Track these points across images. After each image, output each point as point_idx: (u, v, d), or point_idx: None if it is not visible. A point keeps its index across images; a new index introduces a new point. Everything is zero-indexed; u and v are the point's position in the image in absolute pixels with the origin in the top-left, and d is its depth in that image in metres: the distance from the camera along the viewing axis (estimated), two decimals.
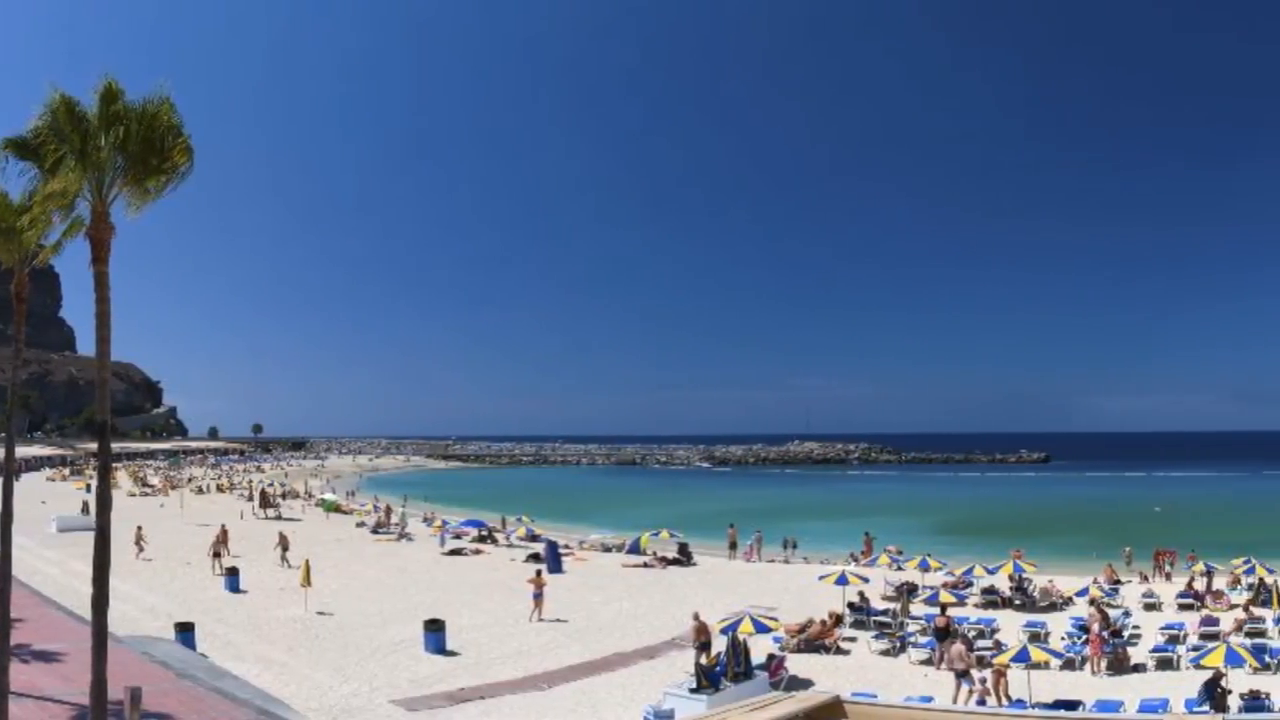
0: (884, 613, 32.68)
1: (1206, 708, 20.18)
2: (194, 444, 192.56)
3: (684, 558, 47.23)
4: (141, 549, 43.38)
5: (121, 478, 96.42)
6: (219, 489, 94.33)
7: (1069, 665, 26.23)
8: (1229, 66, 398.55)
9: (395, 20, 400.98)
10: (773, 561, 49.13)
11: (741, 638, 23.70)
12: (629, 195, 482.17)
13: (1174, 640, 28.67)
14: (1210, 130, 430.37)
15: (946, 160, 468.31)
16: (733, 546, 51.13)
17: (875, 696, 18.59)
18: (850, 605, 32.62)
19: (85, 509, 55.31)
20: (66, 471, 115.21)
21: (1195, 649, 25.95)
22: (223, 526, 45.69)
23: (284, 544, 43.63)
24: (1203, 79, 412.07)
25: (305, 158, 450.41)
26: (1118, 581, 40.63)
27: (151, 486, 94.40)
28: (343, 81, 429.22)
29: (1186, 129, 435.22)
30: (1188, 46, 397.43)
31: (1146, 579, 43.13)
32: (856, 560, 46.72)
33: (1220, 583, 38.55)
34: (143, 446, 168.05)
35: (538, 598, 32.00)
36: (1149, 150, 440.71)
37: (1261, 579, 36.25)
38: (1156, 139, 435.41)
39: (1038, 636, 29.21)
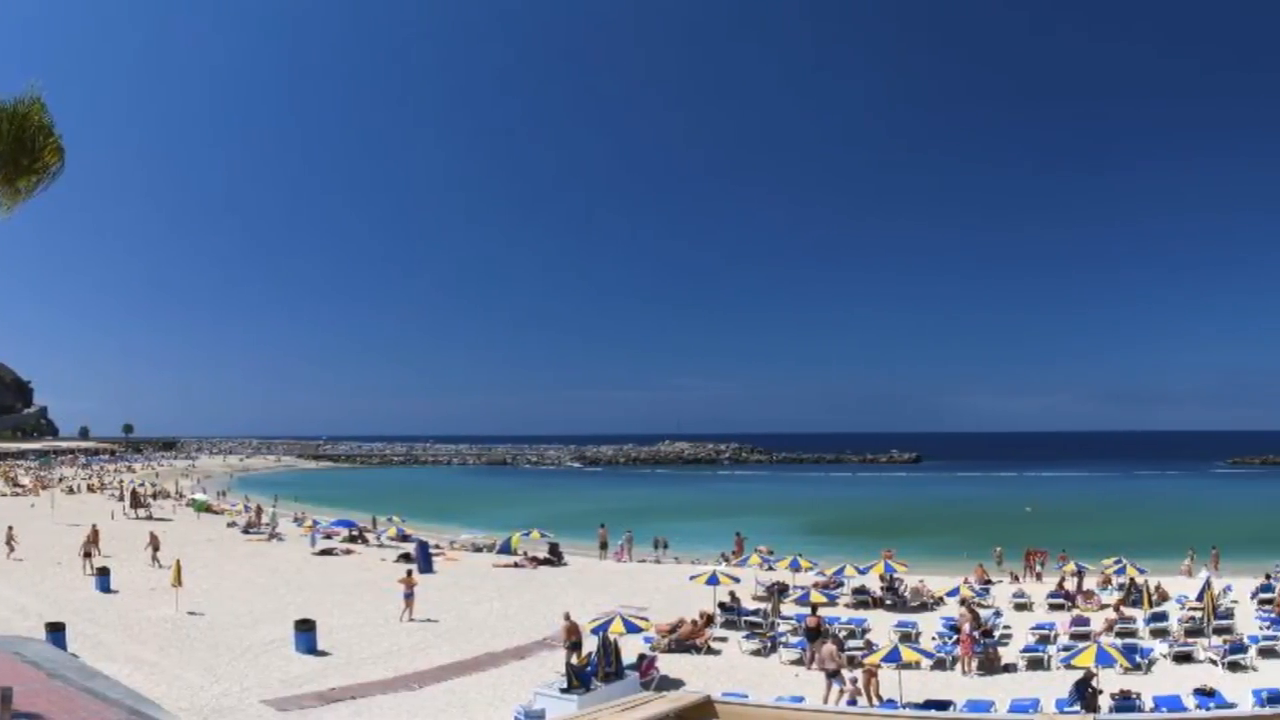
0: (755, 613, 37.22)
1: (1077, 708, 23.84)
2: (65, 444, 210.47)
3: (555, 558, 53.80)
4: (12, 549, 49.87)
5: None
6: (90, 489, 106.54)
7: (940, 665, 30.36)
8: (1087, 68, 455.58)
9: (264, 19, 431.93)
10: (644, 561, 56.52)
11: (612, 638, 26.94)
12: (500, 195, 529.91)
13: (1045, 640, 33.37)
14: (1074, 131, 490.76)
15: (817, 161, 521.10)
16: (603, 546, 59.16)
17: (746, 696, 21.11)
18: (721, 605, 37.16)
19: None
20: None
21: (1066, 649, 30.39)
22: (94, 526, 51.05)
23: (155, 544, 49.44)
24: (1062, 81, 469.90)
25: (174, 157, 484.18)
26: (989, 581, 46.59)
27: (22, 487, 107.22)
28: (212, 81, 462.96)
29: (1050, 130, 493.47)
30: (1045, 48, 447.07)
31: (1017, 579, 49.69)
32: (727, 560, 52.88)
33: (1091, 583, 44.39)
34: (13, 447, 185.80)
35: (408, 598, 36.42)
36: (1015, 151, 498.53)
37: (1132, 579, 41.90)
38: (1022, 140, 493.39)
39: (909, 636, 33.52)
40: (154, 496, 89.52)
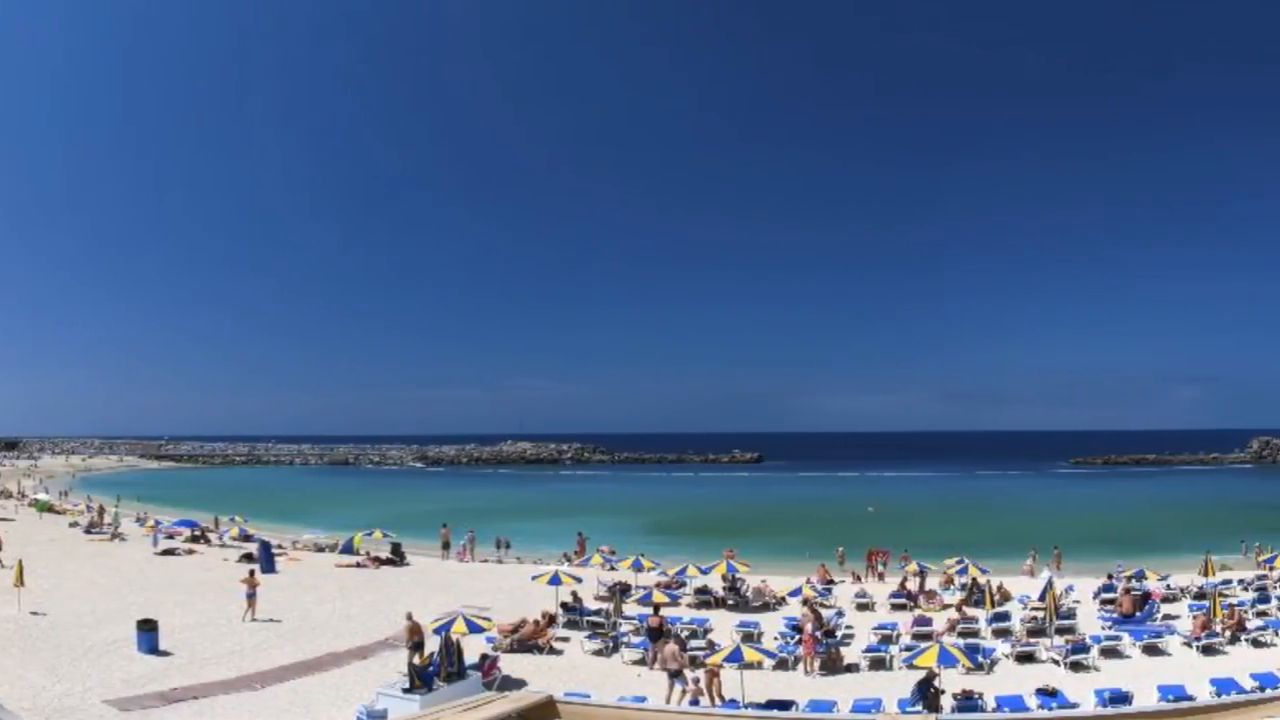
0: (597, 613, 38.13)
1: (919, 708, 24.56)
2: None
3: (397, 558, 55.62)
4: None
5: None
6: None
7: (782, 665, 31.27)
8: (939, 67, 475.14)
9: (104, 19, 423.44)
10: (486, 561, 58.66)
11: (455, 637, 27.52)
12: (342, 194, 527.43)
13: (887, 640, 34.60)
14: (922, 130, 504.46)
15: (664, 160, 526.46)
16: (446, 546, 61.25)
17: (589, 696, 21.39)
18: (563, 605, 38.18)
19: None
20: None
21: (908, 649, 31.59)
22: None
23: None
24: (913, 79, 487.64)
25: (14, 157, 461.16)
26: (831, 581, 48.21)
27: None
28: (52, 80, 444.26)
29: (899, 128, 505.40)
30: (896, 46, 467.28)
31: (859, 579, 51.34)
32: (570, 560, 54.69)
33: (933, 583, 45.99)
34: None
35: (251, 597, 37.35)
36: (863, 149, 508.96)
37: (974, 579, 43.50)
38: (871, 138, 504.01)
39: (751, 636, 34.26)
40: None
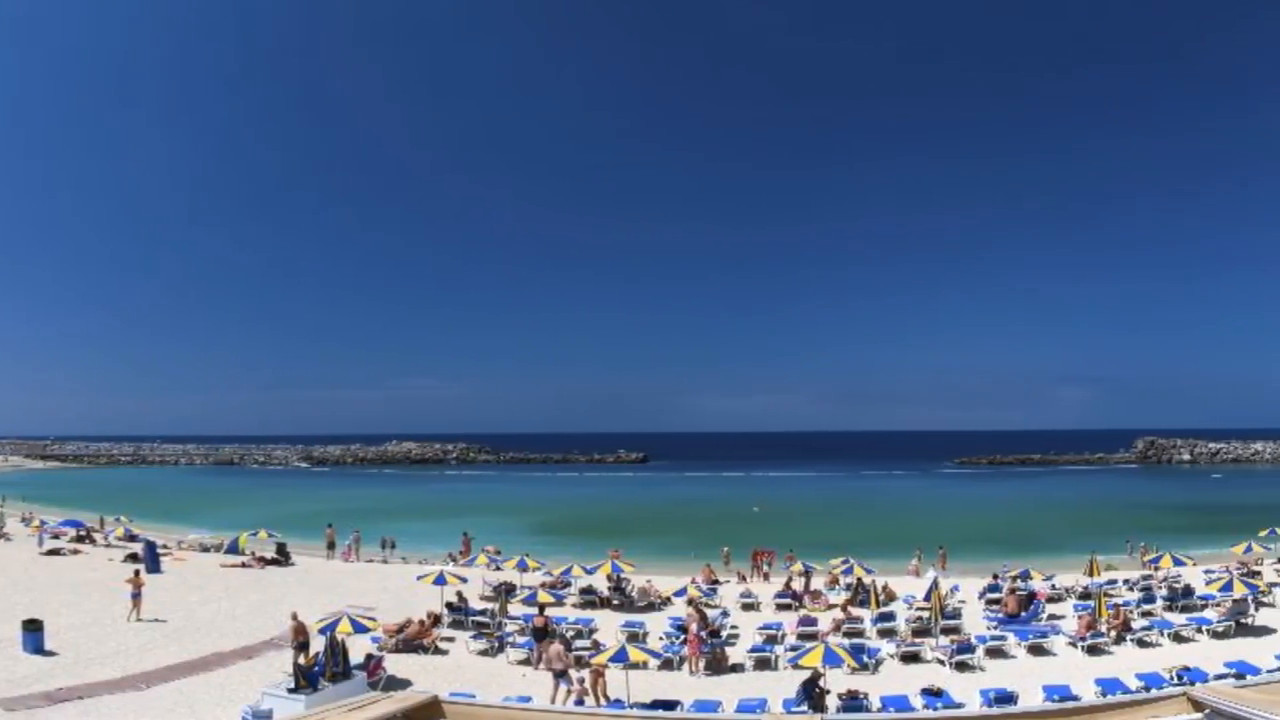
0: (482, 613, 38.58)
1: (805, 708, 24.96)
2: None
3: (282, 557, 56.28)
4: None
5: None
6: None
7: (667, 665, 31.73)
8: (828, 68, 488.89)
9: None
10: (371, 561, 59.56)
11: (340, 637, 27.75)
12: (228, 195, 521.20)
13: (772, 640, 35.15)
14: (802, 131, 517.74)
15: (551, 161, 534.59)
16: (331, 546, 62.34)
17: (474, 696, 21.40)
18: (448, 605, 38.71)
19: None
20: None
21: (793, 649, 32.01)
22: None
23: None
24: (795, 81, 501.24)
25: None
26: (716, 581, 48.82)
27: None
28: None
29: (778, 129, 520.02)
30: (787, 48, 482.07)
31: (745, 579, 52.03)
32: (455, 560, 55.73)
33: (818, 583, 46.77)
34: None
35: (136, 597, 37.68)
36: (743, 150, 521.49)
37: (860, 579, 44.39)
38: (750, 139, 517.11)
39: (636, 636, 34.74)
40: None
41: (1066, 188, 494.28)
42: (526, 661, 32.20)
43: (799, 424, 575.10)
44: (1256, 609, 36.92)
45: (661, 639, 35.13)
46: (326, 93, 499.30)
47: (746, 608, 42.67)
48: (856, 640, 34.48)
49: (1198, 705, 5.95)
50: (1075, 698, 23.95)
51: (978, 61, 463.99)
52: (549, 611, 36.08)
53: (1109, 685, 26.69)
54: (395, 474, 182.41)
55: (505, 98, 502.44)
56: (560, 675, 27.83)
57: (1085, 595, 41.47)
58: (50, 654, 30.59)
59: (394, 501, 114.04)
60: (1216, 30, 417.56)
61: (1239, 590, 37.09)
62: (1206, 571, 45.65)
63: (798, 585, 45.66)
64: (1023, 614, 38.53)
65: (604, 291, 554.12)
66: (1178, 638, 34.42)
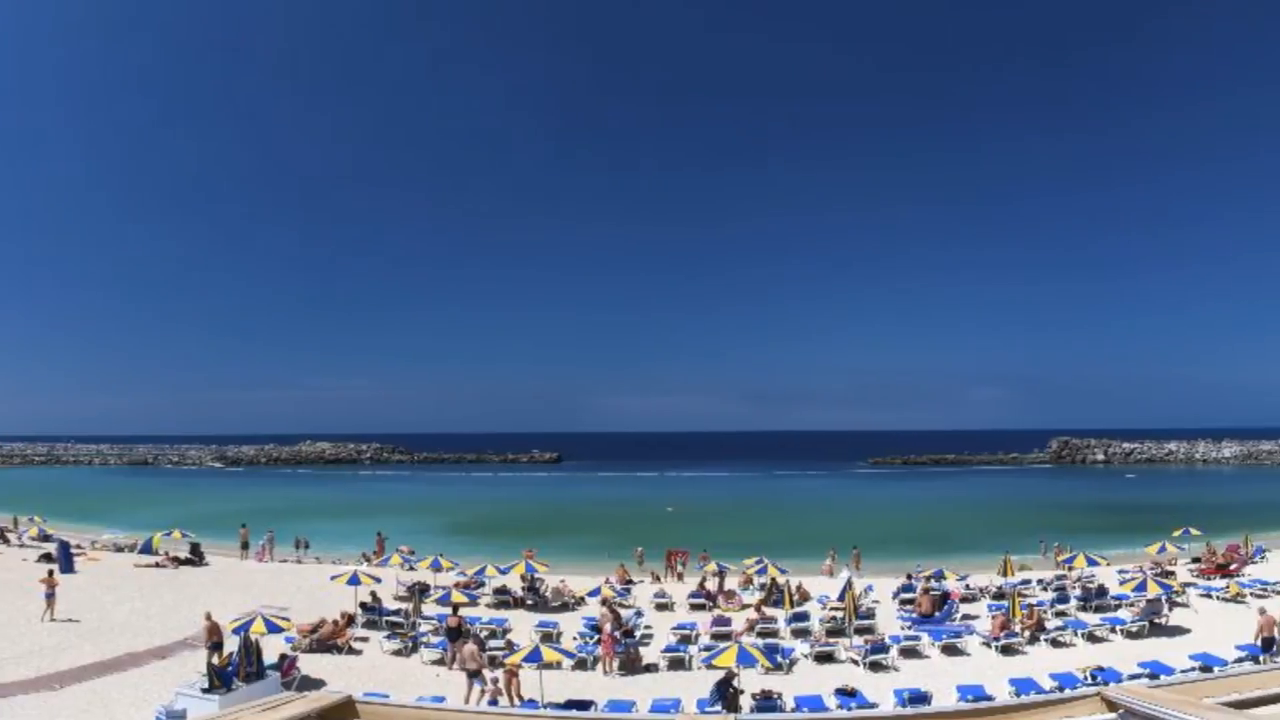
0: (396, 613, 39.00)
1: (719, 708, 25.30)
2: None
3: (196, 557, 56.31)
4: None
5: None
6: None
7: (581, 665, 32.02)
8: (746, 67, 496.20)
9: None
10: (285, 561, 59.61)
11: (254, 638, 28.09)
12: (148, 194, 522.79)
13: (686, 640, 35.34)
14: (722, 130, 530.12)
15: (465, 160, 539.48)
16: (245, 546, 62.67)
17: (388, 696, 21.61)
18: (362, 605, 39.06)
19: None
20: None
21: (707, 649, 32.33)
22: None
23: None
24: (714, 79, 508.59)
25: None
26: (630, 581, 48.99)
27: None
28: None
29: (705, 128, 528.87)
30: (708, 46, 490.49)
31: (659, 579, 52.38)
32: (369, 560, 56.24)
33: (732, 583, 47.22)
34: None
35: (50, 598, 37.85)
36: (667, 149, 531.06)
37: (774, 579, 44.87)
38: (677, 138, 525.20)
39: (550, 636, 35.20)
40: None
41: (979, 187, 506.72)
42: (440, 661, 32.63)
43: (713, 424, 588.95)
44: (1170, 609, 37.90)
45: (575, 639, 35.42)
46: (241, 93, 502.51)
47: (660, 608, 42.93)
48: (770, 640, 34.85)
49: (1112, 705, 6.02)
50: (989, 698, 24.38)
51: (890, 60, 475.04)
52: (463, 611, 36.41)
53: (1023, 685, 27.24)
54: (309, 474, 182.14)
55: (421, 98, 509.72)
56: (474, 675, 28.18)
57: (999, 595, 42.21)
58: None
59: (308, 502, 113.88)
60: (1128, 30, 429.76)
61: (1153, 590, 37.91)
62: (1120, 571, 46.51)
63: (712, 585, 46.02)
64: (937, 614, 39.11)
65: (518, 290, 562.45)
66: (1091, 638, 35.19)
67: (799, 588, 42.21)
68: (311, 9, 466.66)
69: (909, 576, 46.87)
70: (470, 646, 29.54)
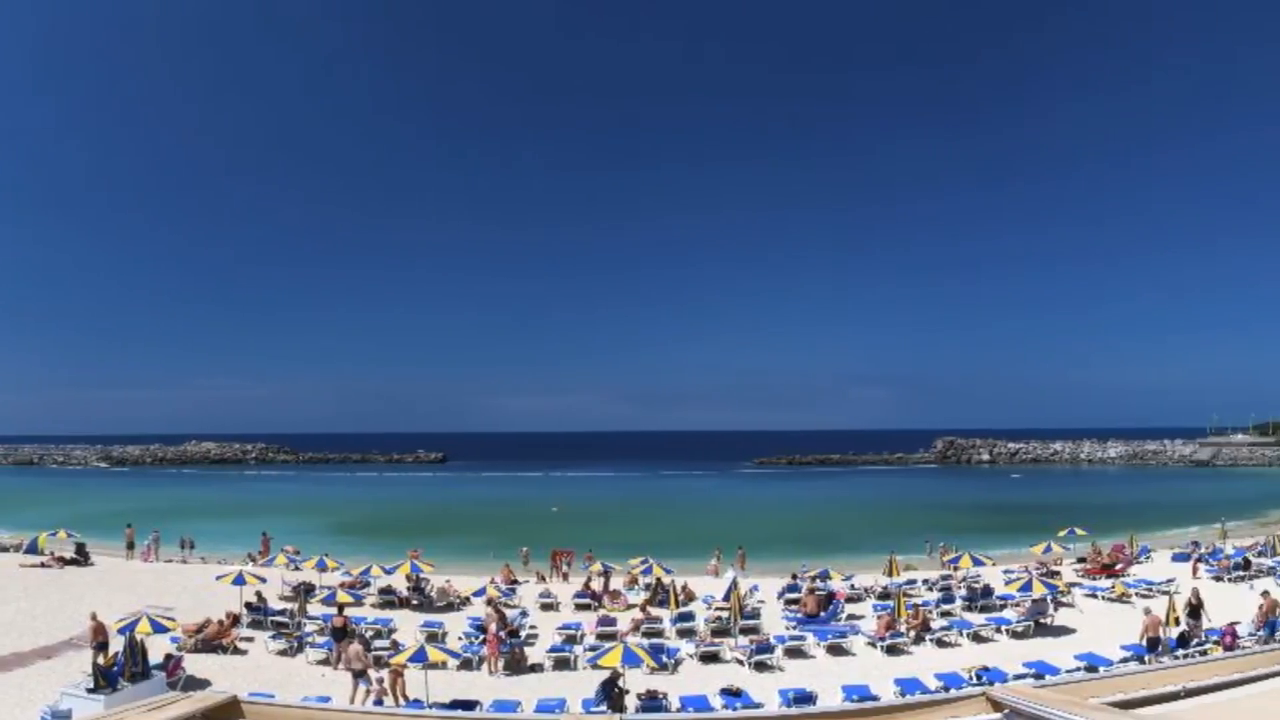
0: (281, 613, 38.99)
1: (604, 708, 25.44)
2: None
3: (81, 558, 55.85)
4: None
5: None
6: None
7: (466, 665, 32.19)
8: (624, 69, 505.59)
9: None
10: (170, 561, 59.41)
11: (139, 638, 28.14)
12: (25, 193, 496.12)
13: (571, 640, 35.51)
14: (598, 131, 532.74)
15: (346, 161, 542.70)
16: (130, 546, 62.54)
17: (273, 696, 21.50)
18: (248, 605, 38.97)
19: None
20: None
21: (592, 649, 32.55)
22: None
23: None
24: (589, 81, 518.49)
25: None
26: (515, 581, 49.01)
27: None
28: None
29: (582, 130, 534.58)
30: (586, 49, 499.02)
31: (544, 579, 52.47)
32: (254, 560, 56.02)
33: (618, 583, 47.41)
34: None
35: None
36: (542, 150, 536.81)
37: (659, 579, 45.23)
38: (554, 140, 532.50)
39: (435, 636, 35.34)
40: None
41: (864, 188, 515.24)
42: (326, 661, 32.76)
43: (599, 424, 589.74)
44: (1055, 609, 38.85)
45: (460, 639, 35.60)
46: (124, 92, 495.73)
47: (545, 608, 43.04)
48: (656, 640, 35.10)
49: (997, 705, 6.03)
50: (874, 698, 24.77)
51: (776, 61, 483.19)
52: (348, 611, 36.62)
53: (908, 685, 27.72)
54: (194, 474, 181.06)
55: (298, 98, 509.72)
56: (359, 675, 28.36)
57: (884, 595, 42.94)
58: None
59: (193, 501, 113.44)
60: (1015, 33, 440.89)
61: (1038, 590, 38.74)
62: (1006, 571, 47.44)
63: (597, 585, 46.24)
64: (822, 614, 39.64)
65: (402, 291, 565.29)
66: (977, 638, 35.95)
67: (684, 588, 42.38)
68: (189, 9, 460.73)
69: (794, 576, 47.42)
70: (355, 646, 29.71)
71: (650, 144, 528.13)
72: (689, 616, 39.03)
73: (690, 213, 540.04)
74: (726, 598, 38.42)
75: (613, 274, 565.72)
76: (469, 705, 25.94)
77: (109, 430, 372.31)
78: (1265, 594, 35.12)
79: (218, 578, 43.49)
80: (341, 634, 32.92)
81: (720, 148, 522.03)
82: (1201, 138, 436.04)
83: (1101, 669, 26.43)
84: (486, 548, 61.53)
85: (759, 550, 61.11)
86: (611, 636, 34.88)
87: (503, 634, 33.09)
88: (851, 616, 40.37)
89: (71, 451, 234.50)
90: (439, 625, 37.78)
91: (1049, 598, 39.00)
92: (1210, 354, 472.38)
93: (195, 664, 30.95)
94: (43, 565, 53.15)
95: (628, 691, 26.52)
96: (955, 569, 47.95)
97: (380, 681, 27.92)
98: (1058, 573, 47.26)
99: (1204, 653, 29.06)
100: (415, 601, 43.64)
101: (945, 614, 39.48)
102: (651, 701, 26.74)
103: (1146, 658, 29.97)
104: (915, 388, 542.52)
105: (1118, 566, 50.36)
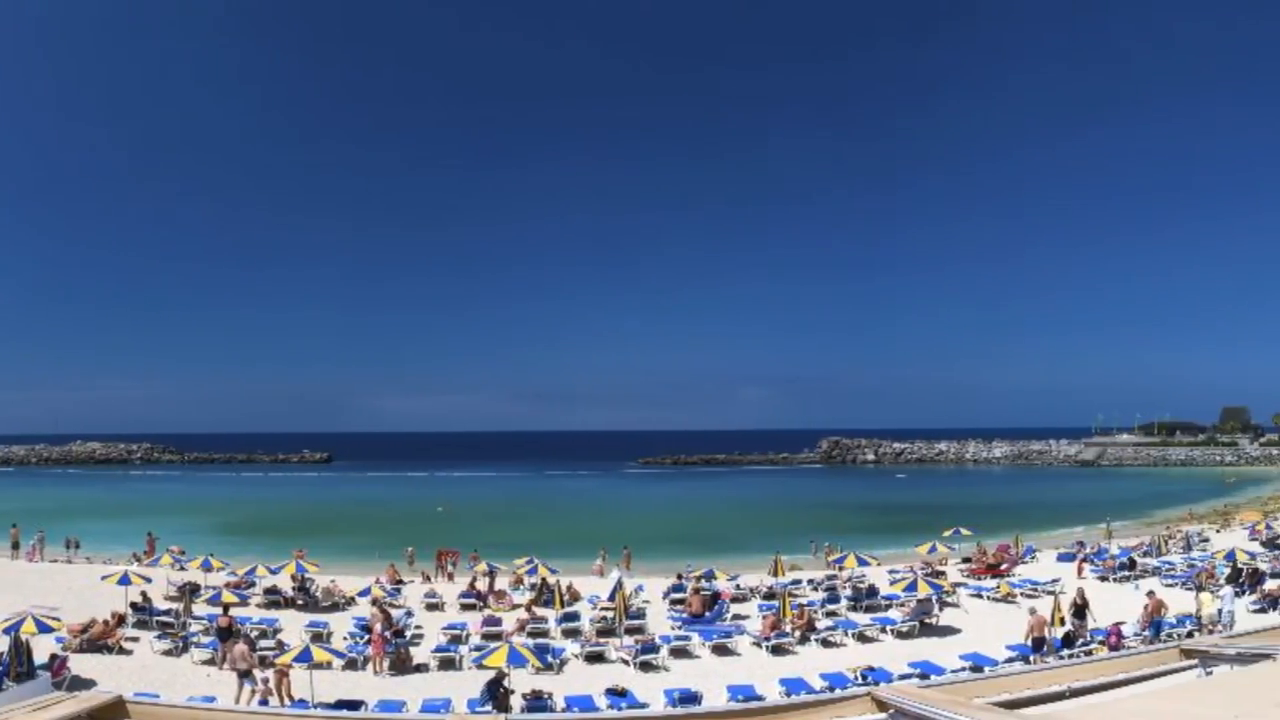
0: (167, 613, 38.62)
1: (489, 708, 25.43)
2: None
3: None
4: None
5: None
6: None
7: (352, 665, 32.05)
8: (509, 68, 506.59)
9: None
10: (55, 561, 59.22)
11: (24, 638, 28.22)
12: None
13: (457, 640, 35.48)
14: (488, 131, 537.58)
15: (230, 160, 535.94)
16: (15, 546, 62.80)
17: (158, 696, 21.37)
18: (133, 605, 38.45)
19: None
20: None
21: (478, 649, 32.53)
22: None
23: None
24: (482, 80, 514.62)
25: None
26: (400, 581, 48.82)
27: None
28: None
29: (464, 129, 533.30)
30: (469, 46, 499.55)
31: (429, 579, 52.23)
32: (139, 560, 55.44)
33: (503, 582, 47.38)
34: None
35: None
36: (426, 149, 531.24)
37: (544, 579, 45.23)
38: (435, 139, 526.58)
39: (320, 636, 35.20)
40: None
41: (747, 188, 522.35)
42: (211, 661, 32.50)
43: (485, 424, 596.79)
44: (940, 609, 39.49)
45: (346, 639, 35.51)
46: (12, 91, 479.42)
47: (431, 608, 42.84)
48: (541, 640, 35.12)
49: (882, 705, 6.08)
50: (760, 698, 24.96)
51: (656, 61, 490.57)
52: (234, 611, 36.45)
53: (793, 685, 27.97)
54: (80, 474, 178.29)
55: (191, 97, 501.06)
56: (245, 675, 28.20)
57: (770, 595, 43.26)
58: None
59: (79, 501, 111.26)
60: (904, 33, 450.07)
61: (923, 590, 39.26)
62: (891, 571, 47.89)
63: (482, 585, 46.12)
64: (707, 614, 39.88)
65: (286, 291, 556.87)
66: (862, 638, 36.40)
67: (569, 588, 42.57)
68: (82, 12, 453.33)
69: (679, 576, 47.74)
70: (241, 646, 29.54)
71: (534, 143, 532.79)
72: (574, 616, 39.10)
73: (577, 212, 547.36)
74: (612, 598, 38.55)
75: (502, 273, 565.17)
76: (354, 705, 25.81)
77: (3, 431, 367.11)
78: (1150, 594, 36.16)
79: (103, 578, 42.76)
80: (227, 634, 32.61)
81: (603, 146, 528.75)
82: (1075, 135, 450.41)
83: (987, 669, 26.80)
84: (372, 548, 61.34)
85: (644, 550, 61.47)
86: (497, 636, 34.81)
87: (388, 634, 32.94)
88: (737, 616, 40.68)
89: None
90: (324, 625, 37.60)
91: (934, 598, 39.61)
92: (1097, 355, 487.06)
93: (81, 664, 30.61)
94: None
95: (513, 691, 26.52)
96: (840, 569, 48.37)
97: (265, 681, 27.72)
98: (943, 573, 48.10)
99: (1089, 653, 29.68)
100: (300, 601, 43.38)
101: (830, 614, 39.97)
102: (536, 701, 26.73)
103: (1032, 658, 30.52)
104: (801, 388, 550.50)
105: (1003, 566, 51.36)
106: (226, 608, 36.04)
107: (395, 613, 37.22)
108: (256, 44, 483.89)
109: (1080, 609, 34.53)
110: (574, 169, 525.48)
